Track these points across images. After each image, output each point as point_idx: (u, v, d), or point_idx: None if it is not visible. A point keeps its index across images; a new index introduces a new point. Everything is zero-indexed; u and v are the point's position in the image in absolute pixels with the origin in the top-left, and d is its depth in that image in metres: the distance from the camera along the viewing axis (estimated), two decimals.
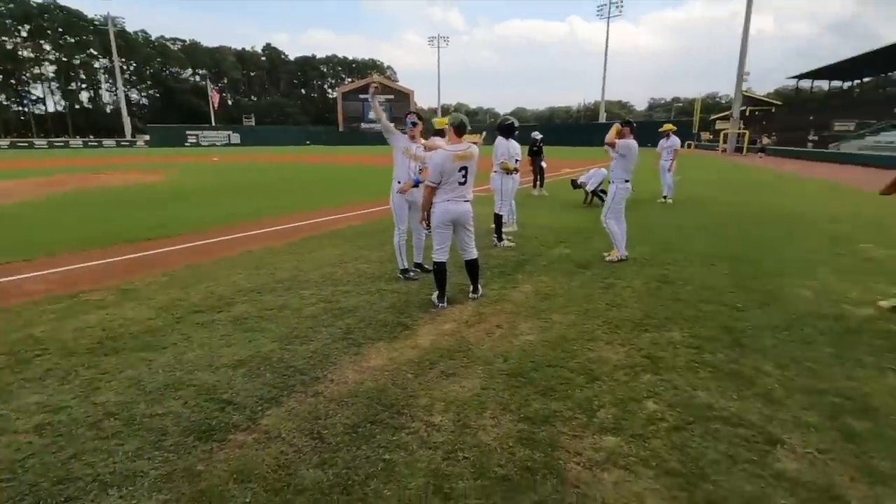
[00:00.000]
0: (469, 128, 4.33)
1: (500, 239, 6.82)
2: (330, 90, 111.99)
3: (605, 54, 68.43)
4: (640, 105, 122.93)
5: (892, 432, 2.53)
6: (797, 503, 2.05)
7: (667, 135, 11.38)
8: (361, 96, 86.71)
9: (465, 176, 4.24)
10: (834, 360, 3.37)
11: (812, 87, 60.04)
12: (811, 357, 3.40)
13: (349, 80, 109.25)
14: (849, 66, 47.92)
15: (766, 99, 70.81)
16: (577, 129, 70.08)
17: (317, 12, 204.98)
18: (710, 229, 8.17)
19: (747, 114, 57.23)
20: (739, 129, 44.46)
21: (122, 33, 75.87)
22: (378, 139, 76.39)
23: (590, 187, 10.86)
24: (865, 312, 4.27)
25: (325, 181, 17.62)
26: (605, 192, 11.21)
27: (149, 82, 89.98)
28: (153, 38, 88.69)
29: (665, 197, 11.36)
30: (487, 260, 6.03)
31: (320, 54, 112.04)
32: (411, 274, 5.28)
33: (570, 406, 2.78)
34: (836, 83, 57.18)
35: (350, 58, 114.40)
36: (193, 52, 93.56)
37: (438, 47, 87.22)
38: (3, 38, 72.57)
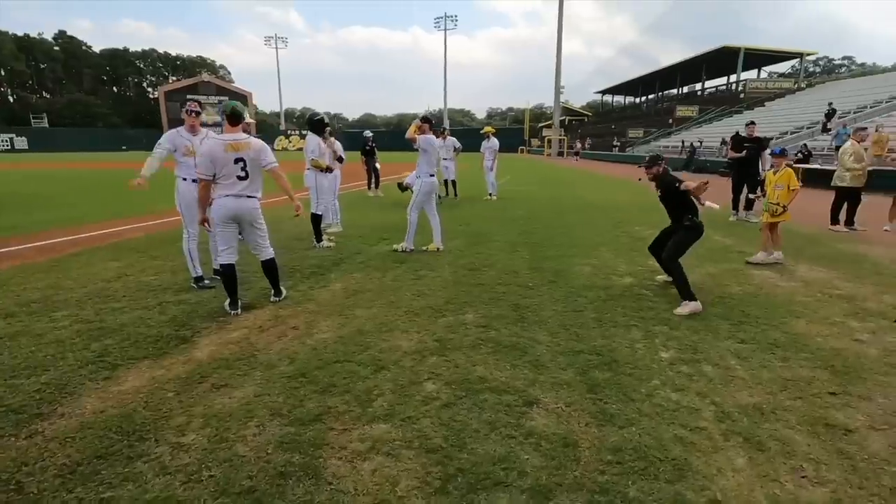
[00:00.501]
0: (246, 118, 3.97)
1: (318, 239, 6.53)
2: (150, 89, 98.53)
3: (445, 65, 71.94)
4: (480, 113, 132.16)
5: (625, 379, 2.91)
6: (539, 455, 2.19)
7: (487, 137, 12.24)
8: (189, 96, 78.17)
9: (243, 169, 3.87)
10: (595, 323, 3.82)
11: (613, 101, 70.93)
12: (578, 323, 3.81)
13: (173, 78, 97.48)
14: (638, 84, 57.68)
15: (579, 110, 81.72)
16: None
17: (131, 0, 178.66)
18: (522, 220, 8.94)
19: (566, 122, 65.27)
20: (560, 135, 50.51)
21: None
22: None
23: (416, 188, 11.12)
24: (628, 281, 4.99)
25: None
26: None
27: None
28: None
29: (490, 194, 12.20)
30: (302, 261, 5.71)
31: (134, 47, 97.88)
32: (206, 282, 4.71)
33: (347, 400, 2.66)
34: (630, 98, 68.49)
35: (174, 53, 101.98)
36: None
37: (277, 48, 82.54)
38: None
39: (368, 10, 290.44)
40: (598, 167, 30.09)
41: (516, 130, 63.35)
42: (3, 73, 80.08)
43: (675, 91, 57.26)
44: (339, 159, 7.54)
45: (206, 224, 4.00)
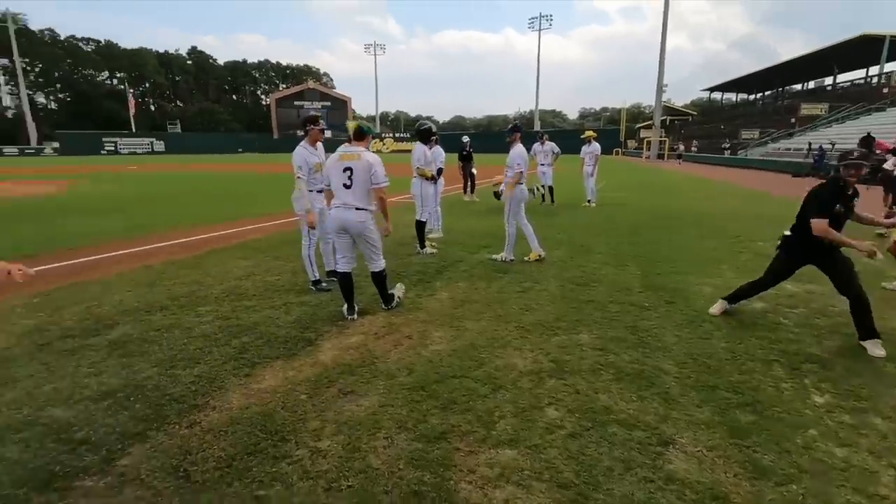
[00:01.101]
0: (375, 132, 4.20)
1: (422, 246, 6.67)
2: (263, 97, 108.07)
3: (538, 65, 70.83)
4: (572, 114, 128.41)
5: (774, 424, 2.60)
6: None
7: (588, 141, 11.79)
8: (296, 102, 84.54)
9: (349, 178, 4.02)
10: (728, 354, 3.48)
11: (722, 99, 65.26)
12: (707, 353, 3.49)
13: (283, 86, 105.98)
14: (752, 80, 52.56)
15: (683, 109, 76.22)
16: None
17: (247, 15, 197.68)
18: (626, 230, 8.47)
19: (667, 123, 61.23)
20: (661, 137, 47.47)
21: (24, 31, 69.29)
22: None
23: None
24: (759, 307, 4.50)
25: (246, 191, 16.77)
26: (530, 191, 11.46)
27: (58, 85, 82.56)
28: (62, 37, 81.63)
29: (589, 201, 11.74)
30: (407, 267, 5.86)
31: (252, 59, 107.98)
32: (324, 285, 5.00)
33: (470, 419, 2.65)
34: (743, 95, 62.57)
35: (284, 63, 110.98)
36: (110, 55, 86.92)
37: (375, 54, 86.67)
38: None
39: (462, 14, 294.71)
40: (706, 171, 27.81)
41: (611, 132, 60.55)
42: (147, 85, 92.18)
43: (798, 87, 51.36)
44: (439, 171, 7.61)
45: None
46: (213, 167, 30.99)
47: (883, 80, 37.88)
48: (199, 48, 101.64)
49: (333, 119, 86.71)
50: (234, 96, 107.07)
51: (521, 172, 5.91)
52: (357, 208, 4.02)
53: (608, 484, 2.14)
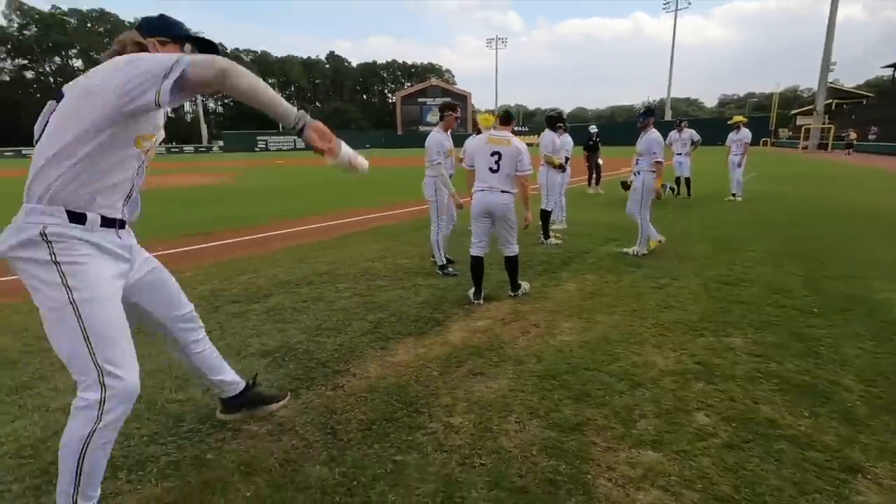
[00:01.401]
0: (513, 117, 4.28)
1: (546, 236, 6.51)
2: (390, 95, 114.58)
3: (672, 49, 65.06)
4: (710, 102, 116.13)
5: None
6: None
7: (737, 127, 10.50)
8: (419, 99, 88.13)
9: (497, 163, 4.05)
10: None
11: None
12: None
13: (408, 84, 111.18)
14: None
15: (855, 91, 64.45)
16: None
17: (377, 18, 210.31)
18: (781, 227, 7.40)
19: (833, 107, 52.36)
20: (824, 123, 40.73)
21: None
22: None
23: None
24: None
25: (377, 181, 17.87)
26: (663, 185, 10.56)
27: None
28: (228, 50, 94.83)
29: (734, 194, 10.48)
30: (532, 257, 5.75)
31: (381, 60, 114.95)
32: (450, 269, 5.11)
33: (607, 414, 2.49)
34: None
35: (409, 62, 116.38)
36: (263, 63, 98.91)
37: (496, 49, 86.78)
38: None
39: (588, 2, 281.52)
40: (886, 163, 23.24)
41: (759, 119, 53.34)
42: (293, 89, 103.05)
43: None
44: (566, 160, 7.35)
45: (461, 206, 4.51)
46: None
47: None
48: (336, 52, 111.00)
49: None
50: (364, 96, 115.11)
51: (660, 161, 5.46)
52: (502, 191, 4.09)
53: None
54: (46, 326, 1.61)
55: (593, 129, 12.19)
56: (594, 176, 12.30)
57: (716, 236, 6.79)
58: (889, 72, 55.34)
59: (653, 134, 5.56)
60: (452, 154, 4.93)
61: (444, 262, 5.13)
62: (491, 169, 4.07)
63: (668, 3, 64.57)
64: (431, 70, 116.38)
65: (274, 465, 2.15)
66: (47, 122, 1.56)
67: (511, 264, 4.35)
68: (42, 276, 1.54)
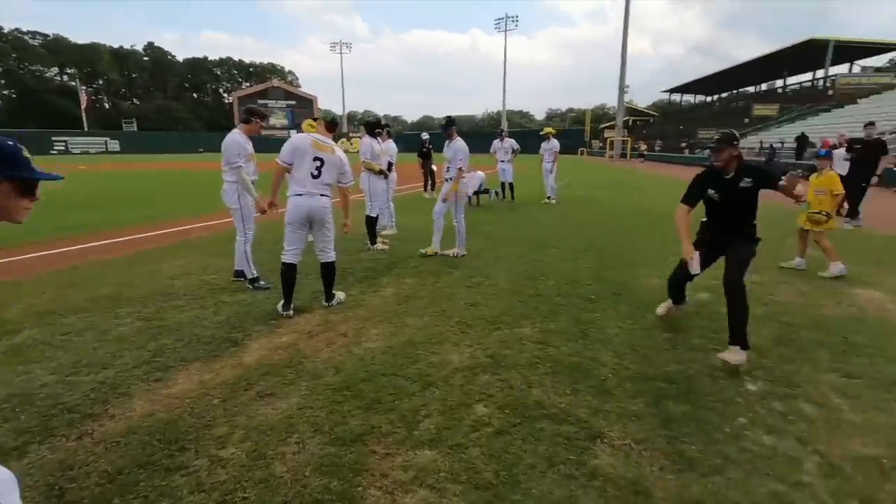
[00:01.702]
0: (338, 124, 4.14)
1: (372, 242, 6.47)
2: (226, 94, 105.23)
3: (504, 66, 71.27)
4: (539, 115, 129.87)
5: (705, 413, 2.54)
6: (604, 503, 1.91)
7: (547, 138, 11.81)
8: (260, 101, 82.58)
9: (318, 169, 3.88)
10: (668, 345, 3.44)
11: (681, 100, 67.32)
12: (648, 344, 3.44)
13: (247, 84, 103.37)
14: (709, 82, 54.45)
15: (645, 110, 78.24)
16: (482, 136, 72.20)
17: (210, 13, 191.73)
18: (583, 226, 8.49)
19: (630, 123, 62.66)
20: (623, 137, 48.50)
21: None
22: (281, 144, 73.10)
23: (470, 191, 10.94)
24: (704, 297, 4.50)
25: (196, 187, 16.15)
26: (486, 191, 11.41)
27: (1, 81, 78.01)
28: (6, 30, 77.17)
29: (549, 198, 11.76)
30: (356, 264, 5.65)
31: (213, 56, 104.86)
32: (262, 283, 4.74)
33: (393, 419, 2.48)
34: (700, 97, 64.74)
35: (247, 61, 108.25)
36: (59, 49, 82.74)
37: (341, 53, 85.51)
38: None
39: (429, 14, 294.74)
40: (666, 170, 28.51)
41: (577, 132, 61.46)
42: (101, 82, 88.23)
43: (751, 89, 53.44)
44: (389, 166, 7.38)
45: (272, 207, 4.22)
46: (170, 166, 29.77)
47: (828, 83, 39.80)
48: (157, 44, 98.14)
49: (300, 118, 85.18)
50: (194, 94, 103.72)
51: (462, 168, 5.81)
52: (321, 195, 3.95)
53: (528, 482, 2.02)
54: None
55: (425, 136, 12.63)
56: (429, 182, 12.74)
57: (530, 236, 7.47)
58: (667, 96, 68.38)
59: (458, 143, 5.89)
60: (253, 158, 4.59)
61: (255, 274, 4.74)
62: (312, 175, 3.88)
63: (498, 23, 70.71)
64: (273, 71, 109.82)
65: None
66: None
67: (328, 271, 4.19)
68: None
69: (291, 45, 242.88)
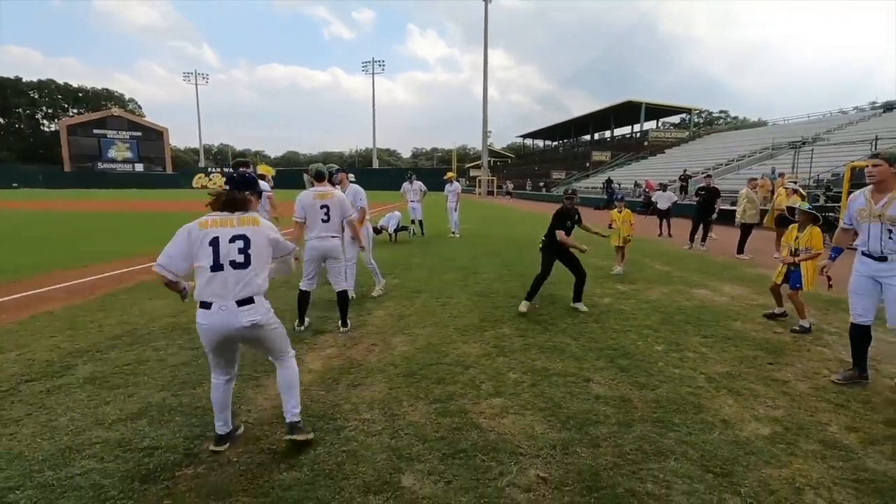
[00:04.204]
0: (326, 174, 5.02)
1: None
2: (46, 122, 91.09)
3: (373, 107, 74.38)
4: (406, 153, 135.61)
5: (640, 363, 4.16)
6: (611, 408, 3.33)
7: (450, 181, 13.62)
8: (96, 131, 73.20)
9: (327, 214, 4.81)
10: (601, 330, 5.09)
11: (533, 144, 76.66)
12: (589, 330, 5.05)
13: (75, 111, 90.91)
14: (554, 130, 63.14)
15: (502, 152, 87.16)
16: (355, 173, 73.29)
17: (17, 26, 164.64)
18: (493, 255, 10.24)
19: (491, 163, 69.42)
20: (489, 176, 53.77)
21: None
22: (125, 180, 65.14)
23: (391, 229, 12.18)
24: (607, 301, 6.36)
25: (108, 227, 14.73)
26: (405, 228, 12.72)
27: None
28: None
29: (454, 232, 13.47)
30: (321, 295, 6.48)
31: (28, 77, 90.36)
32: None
33: (461, 386, 3.64)
34: (548, 142, 74.48)
35: (75, 85, 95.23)
36: None
37: (196, 84, 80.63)
38: None
39: (287, 49, 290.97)
40: (530, 206, 32.73)
41: (445, 171, 66.24)
42: None
43: (588, 137, 63.49)
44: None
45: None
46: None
47: (643, 136, 49.55)
48: None
49: (147, 151, 77.29)
50: (2, 119, 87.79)
51: (365, 208, 6.02)
52: (332, 236, 4.81)
53: (565, 405, 3.36)
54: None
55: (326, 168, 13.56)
56: None
57: (458, 265, 8.93)
58: (520, 140, 77.22)
59: (354, 187, 6.06)
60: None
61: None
62: (322, 220, 4.79)
63: (366, 65, 73.76)
64: (110, 97, 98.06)
65: (237, 484, 2.44)
66: None
67: (343, 298, 5.03)
68: None
69: (127, 70, 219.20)
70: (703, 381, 3.79)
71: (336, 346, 4.54)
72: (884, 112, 31.33)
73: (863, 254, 3.66)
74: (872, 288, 3.61)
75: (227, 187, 2.77)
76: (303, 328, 4.94)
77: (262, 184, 6.93)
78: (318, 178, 4.92)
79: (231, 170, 5.41)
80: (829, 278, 4.05)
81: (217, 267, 2.51)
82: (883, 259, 3.51)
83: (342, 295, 5.05)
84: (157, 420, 3.09)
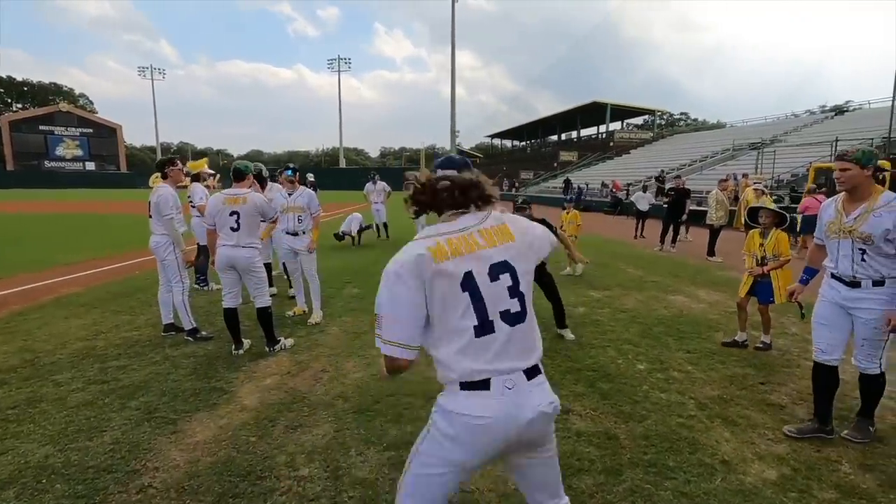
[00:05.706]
0: (252, 170, 4.53)
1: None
2: None
3: (340, 105, 72.73)
4: (374, 153, 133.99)
5: (623, 387, 3.71)
6: (594, 448, 2.85)
7: None
8: (42, 127, 69.04)
9: (237, 221, 4.17)
10: (577, 346, 4.64)
11: (501, 144, 76.86)
12: (565, 347, 4.60)
13: (19, 106, 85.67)
14: (522, 130, 63.38)
15: (470, 152, 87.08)
16: (321, 172, 71.76)
17: None
18: None
19: None
20: None
21: None
22: (75, 180, 61.47)
23: (353, 232, 11.55)
24: (582, 311, 5.94)
25: (37, 233, 13.43)
26: (369, 227, 12.10)
27: None
28: None
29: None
30: (281, 307, 5.84)
31: None
32: (203, 333, 4.72)
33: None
34: (516, 142, 74.81)
35: (19, 79, 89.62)
36: None
37: (153, 79, 77.15)
38: None
39: (249, 45, 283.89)
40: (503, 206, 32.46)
41: (414, 170, 65.43)
42: None
43: (555, 137, 64.02)
44: None
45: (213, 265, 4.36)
46: None
47: (608, 137, 50.20)
48: None
49: (99, 149, 73.39)
50: None
51: (318, 216, 5.47)
52: (243, 246, 4.18)
53: None
54: None
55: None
56: None
57: None
58: (489, 140, 77.31)
59: (308, 190, 5.47)
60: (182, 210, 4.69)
61: (194, 325, 4.70)
62: (232, 228, 4.15)
63: (331, 63, 72.17)
64: (58, 92, 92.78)
65: None
66: None
67: (264, 315, 4.37)
68: None
69: (78, 64, 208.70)
70: (693, 408, 3.37)
71: (279, 374, 3.92)
72: (835, 115, 32.60)
73: (832, 276, 2.95)
74: (841, 318, 2.91)
75: None
76: (240, 352, 4.29)
77: (197, 189, 6.29)
78: (237, 177, 4.28)
79: (159, 171, 4.77)
80: (800, 306, 3.45)
81: None
82: (855, 284, 2.81)
83: (261, 312, 4.37)
84: (27, 490, 2.42)
